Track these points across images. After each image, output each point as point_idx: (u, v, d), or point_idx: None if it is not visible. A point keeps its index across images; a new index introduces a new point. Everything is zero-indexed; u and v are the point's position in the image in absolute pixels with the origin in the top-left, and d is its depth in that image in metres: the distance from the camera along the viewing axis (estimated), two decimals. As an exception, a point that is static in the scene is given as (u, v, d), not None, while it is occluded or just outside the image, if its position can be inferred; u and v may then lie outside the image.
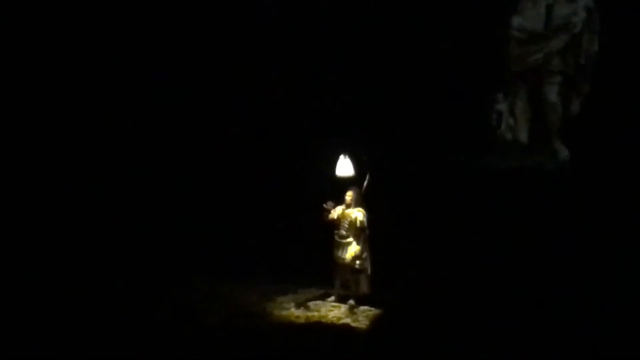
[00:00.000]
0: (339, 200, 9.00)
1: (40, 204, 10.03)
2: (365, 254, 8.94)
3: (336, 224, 8.97)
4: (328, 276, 9.21)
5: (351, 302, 8.84)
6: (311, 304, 9.04)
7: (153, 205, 10.32)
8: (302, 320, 8.63)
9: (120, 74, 10.56)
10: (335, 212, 8.93)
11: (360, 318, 8.57)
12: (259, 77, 10.55)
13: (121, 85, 10.57)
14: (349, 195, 8.92)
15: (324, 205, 8.88)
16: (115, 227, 10.03)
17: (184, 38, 10.65)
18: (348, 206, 8.90)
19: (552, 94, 9.75)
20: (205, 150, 10.59)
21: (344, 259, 8.90)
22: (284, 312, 8.84)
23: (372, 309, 8.70)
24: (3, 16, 10.32)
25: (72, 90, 10.53)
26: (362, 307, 8.82)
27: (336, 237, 8.94)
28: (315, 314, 8.82)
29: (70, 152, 10.41)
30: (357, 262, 8.84)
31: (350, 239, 8.90)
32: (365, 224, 8.88)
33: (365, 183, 8.96)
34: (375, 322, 8.64)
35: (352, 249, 8.89)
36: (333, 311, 8.86)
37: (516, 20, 9.69)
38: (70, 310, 8.44)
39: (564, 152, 9.70)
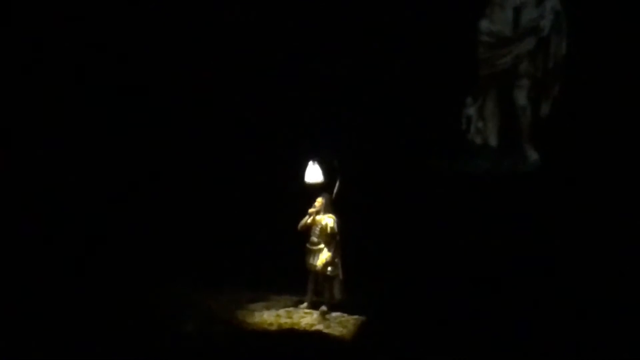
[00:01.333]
0: (309, 207, 8.97)
1: (26, 212, 9.99)
2: (336, 261, 8.92)
3: (306, 230, 8.94)
4: (300, 283, 9.14)
5: (323, 308, 8.79)
6: (283, 311, 8.99)
7: (126, 214, 10.27)
8: (274, 328, 8.58)
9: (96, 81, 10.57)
10: (308, 219, 8.95)
11: (332, 324, 8.51)
12: (229, 84, 10.56)
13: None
14: (319, 202, 8.90)
15: (309, 211, 8.90)
16: (90, 234, 9.99)
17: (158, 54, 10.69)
18: (318, 212, 8.89)
19: (521, 97, 9.85)
20: (180, 160, 10.58)
21: (315, 265, 8.87)
22: (256, 320, 8.80)
23: (345, 315, 8.66)
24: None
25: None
26: (334, 314, 8.77)
27: (307, 244, 8.92)
28: (288, 320, 8.76)
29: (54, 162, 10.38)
30: (329, 268, 8.80)
31: (322, 246, 8.87)
32: (336, 230, 8.86)
33: (336, 189, 8.94)
34: (358, 329, 8.63)
35: (324, 256, 8.86)
36: (305, 318, 8.81)
37: (484, 24, 9.83)
38: (46, 316, 8.40)
39: (534, 155, 9.77)
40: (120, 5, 10.52)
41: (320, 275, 8.87)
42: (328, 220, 8.81)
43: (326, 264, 8.80)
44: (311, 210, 8.91)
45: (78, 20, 10.49)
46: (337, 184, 8.91)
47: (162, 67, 10.62)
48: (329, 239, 8.83)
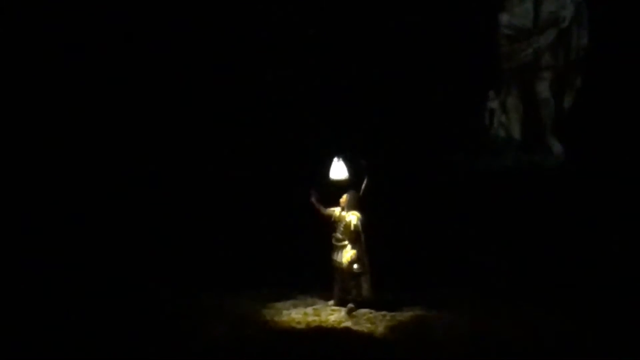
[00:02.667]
0: (333, 204, 9.05)
1: (40, 217, 10.02)
2: (362, 258, 8.94)
3: (333, 226, 9.01)
4: (327, 280, 9.18)
5: (351, 305, 8.81)
6: (310, 309, 9.01)
7: (151, 221, 10.30)
8: (302, 326, 8.57)
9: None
10: (330, 210, 9.00)
11: (361, 321, 8.50)
12: (252, 80, 10.61)
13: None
14: (344, 199, 8.95)
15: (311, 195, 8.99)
16: (117, 242, 9.99)
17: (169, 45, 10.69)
18: (343, 209, 8.94)
19: (544, 89, 9.89)
20: (202, 157, 10.59)
21: (340, 262, 8.93)
22: (284, 319, 8.79)
23: (373, 311, 8.68)
24: (3, 16, 10.30)
25: (72, 93, 10.54)
26: (362, 310, 8.79)
27: (333, 241, 8.97)
28: (316, 318, 8.77)
29: (69, 163, 10.40)
30: (355, 266, 8.84)
31: (346, 242, 8.92)
32: (360, 227, 8.88)
33: (364, 186, 8.97)
34: (387, 326, 8.57)
35: (348, 254, 8.90)
36: (333, 315, 8.82)
37: (504, 18, 9.91)
38: (75, 324, 8.38)
39: (558, 148, 9.80)
40: (123, 5, 10.56)
41: (346, 272, 8.90)
42: (352, 218, 8.84)
43: (352, 262, 8.84)
44: (327, 211, 9.04)
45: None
46: (365, 181, 8.94)
47: (177, 67, 10.65)
48: (354, 236, 8.86)
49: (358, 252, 8.91)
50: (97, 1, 10.58)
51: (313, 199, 9.05)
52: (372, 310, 8.75)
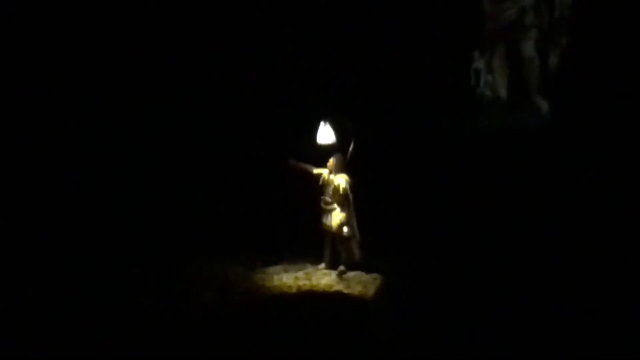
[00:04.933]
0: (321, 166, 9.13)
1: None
2: (351, 221, 8.99)
3: (321, 190, 9.07)
4: (317, 244, 9.29)
5: (341, 268, 8.91)
6: (301, 273, 9.10)
7: (139, 194, 10.37)
8: (294, 290, 8.68)
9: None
10: (318, 170, 9.08)
11: (352, 284, 8.61)
12: (235, 45, 10.57)
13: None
14: (330, 162, 9.01)
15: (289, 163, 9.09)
16: (106, 215, 10.07)
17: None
18: (330, 172, 8.99)
19: (529, 49, 9.84)
20: (189, 122, 10.62)
21: (329, 225, 8.99)
22: (276, 283, 8.89)
23: (363, 273, 8.78)
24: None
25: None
26: (352, 273, 8.88)
27: (322, 204, 9.04)
28: (307, 282, 8.87)
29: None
30: (344, 229, 8.92)
31: (335, 206, 8.99)
32: (348, 190, 8.94)
33: (350, 149, 9.02)
34: (378, 288, 8.71)
35: (337, 217, 8.98)
36: (324, 279, 8.92)
37: None
38: (64, 292, 8.46)
39: (544, 107, 9.76)
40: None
41: (336, 236, 8.97)
42: (340, 181, 8.91)
43: (341, 225, 8.92)
44: (317, 170, 9.09)
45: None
46: (352, 145, 8.99)
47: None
48: (342, 199, 8.94)
49: (347, 215, 9.00)
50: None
51: (292, 162, 9.10)
52: (363, 273, 8.85)
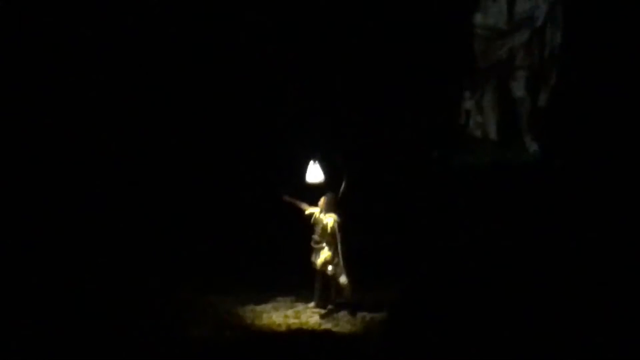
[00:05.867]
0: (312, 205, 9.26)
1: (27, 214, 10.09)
2: (336, 260, 9.09)
3: (312, 229, 9.17)
4: (308, 282, 9.37)
5: (330, 307, 9.01)
6: (291, 311, 9.21)
7: (134, 223, 10.40)
8: (283, 329, 8.78)
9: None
10: (310, 209, 9.19)
11: (341, 322, 8.71)
12: (231, 85, 10.71)
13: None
14: (321, 202, 9.12)
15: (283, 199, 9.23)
16: (100, 242, 10.08)
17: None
18: (321, 211, 9.11)
19: (519, 88, 9.98)
20: (184, 164, 10.71)
21: (316, 263, 9.12)
22: (265, 322, 8.99)
23: (352, 312, 8.90)
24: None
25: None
26: (341, 312, 8.98)
27: (312, 243, 9.16)
28: (296, 321, 8.97)
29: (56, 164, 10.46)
30: (329, 267, 9.04)
31: (323, 244, 9.10)
32: (336, 229, 9.05)
33: (342, 188, 9.13)
34: (367, 327, 8.77)
35: (324, 255, 9.10)
36: (313, 317, 9.01)
37: (478, 18, 9.98)
38: (59, 321, 8.48)
39: (534, 146, 9.90)
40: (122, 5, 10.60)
41: (324, 274, 9.10)
42: (329, 220, 9.05)
43: (325, 263, 9.06)
44: (308, 210, 9.22)
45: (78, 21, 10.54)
46: (343, 184, 9.12)
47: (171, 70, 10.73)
48: (330, 238, 9.08)
49: (332, 254, 9.10)
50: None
51: (285, 199, 9.23)
52: (352, 311, 8.94)
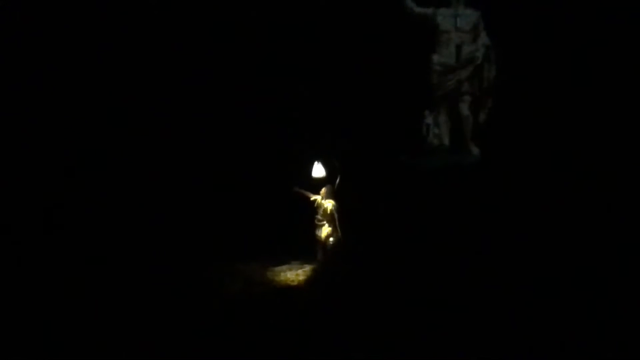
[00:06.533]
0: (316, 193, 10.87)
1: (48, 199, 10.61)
2: (335, 234, 10.85)
3: (315, 211, 10.95)
4: (310, 250, 11.22)
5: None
6: (300, 271, 10.89)
7: (172, 203, 11.39)
8: (295, 284, 10.46)
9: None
10: (314, 196, 10.82)
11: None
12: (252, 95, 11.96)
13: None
14: (323, 191, 11.02)
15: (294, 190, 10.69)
16: (140, 217, 10.95)
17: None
18: (322, 198, 10.98)
19: (465, 109, 10.98)
20: (216, 159, 11.71)
21: (320, 237, 10.97)
22: (282, 279, 10.65)
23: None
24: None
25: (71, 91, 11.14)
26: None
27: (315, 221, 11.05)
28: (304, 277, 10.66)
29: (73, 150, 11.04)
30: (330, 239, 10.88)
31: (324, 223, 10.98)
32: (334, 211, 10.84)
33: (337, 181, 10.97)
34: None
35: (326, 231, 10.91)
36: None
37: (435, 58, 10.96)
38: (97, 287, 9.07)
39: (475, 151, 10.92)
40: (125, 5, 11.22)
41: (324, 244, 10.99)
42: (328, 205, 11.03)
43: (327, 236, 10.93)
44: (313, 197, 10.86)
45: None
46: (338, 178, 10.92)
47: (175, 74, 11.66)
48: (330, 218, 10.99)
49: (332, 229, 10.94)
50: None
51: (296, 190, 10.88)
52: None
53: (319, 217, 11.21)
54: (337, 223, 11.01)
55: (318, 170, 11.29)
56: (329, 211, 11.09)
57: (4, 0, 10.51)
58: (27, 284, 8.91)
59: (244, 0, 11.72)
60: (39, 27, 10.81)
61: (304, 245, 11.29)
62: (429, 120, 11.15)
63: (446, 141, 11.15)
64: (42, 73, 10.87)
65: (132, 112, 11.46)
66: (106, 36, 11.12)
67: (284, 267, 11.19)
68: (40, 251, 9.68)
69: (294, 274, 10.86)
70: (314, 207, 11.18)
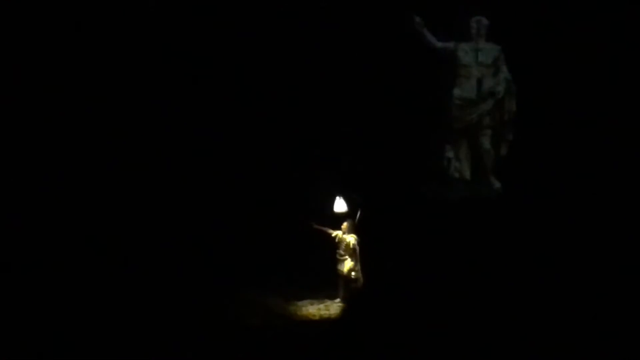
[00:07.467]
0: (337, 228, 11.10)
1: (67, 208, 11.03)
2: (357, 268, 10.99)
3: (337, 245, 11.12)
4: (332, 285, 11.33)
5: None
6: (322, 305, 11.08)
7: (187, 232, 11.65)
8: (317, 318, 10.68)
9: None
10: (334, 232, 11.00)
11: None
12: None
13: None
14: (344, 226, 11.20)
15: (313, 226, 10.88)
16: (163, 249, 11.16)
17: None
18: (343, 232, 11.16)
19: (486, 142, 11.04)
20: (241, 193, 12.08)
21: (342, 271, 11.09)
22: (303, 313, 10.85)
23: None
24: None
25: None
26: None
27: (337, 256, 11.20)
28: (326, 312, 10.87)
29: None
30: (352, 273, 11.03)
31: (346, 257, 11.10)
32: (356, 246, 10.99)
33: (358, 216, 11.13)
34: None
35: (348, 265, 11.05)
36: (339, 309, 10.91)
37: (456, 92, 11.00)
38: (119, 317, 9.26)
39: (497, 184, 11.00)
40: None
41: (346, 278, 11.10)
42: (350, 239, 11.20)
43: (349, 270, 11.06)
44: (334, 233, 11.05)
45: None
46: (359, 213, 11.11)
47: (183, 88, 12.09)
48: (351, 252, 11.15)
49: (355, 263, 11.09)
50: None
51: (315, 226, 11.05)
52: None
53: (340, 251, 11.40)
54: (358, 257, 11.24)
55: (340, 205, 11.47)
56: (351, 246, 11.33)
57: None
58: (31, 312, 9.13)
59: (271, 39, 12.20)
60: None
61: (325, 280, 11.52)
62: (450, 153, 11.18)
63: (467, 174, 11.23)
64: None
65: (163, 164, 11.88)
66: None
67: (306, 301, 11.46)
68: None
69: (316, 309, 11.14)
70: (334, 242, 11.38)
